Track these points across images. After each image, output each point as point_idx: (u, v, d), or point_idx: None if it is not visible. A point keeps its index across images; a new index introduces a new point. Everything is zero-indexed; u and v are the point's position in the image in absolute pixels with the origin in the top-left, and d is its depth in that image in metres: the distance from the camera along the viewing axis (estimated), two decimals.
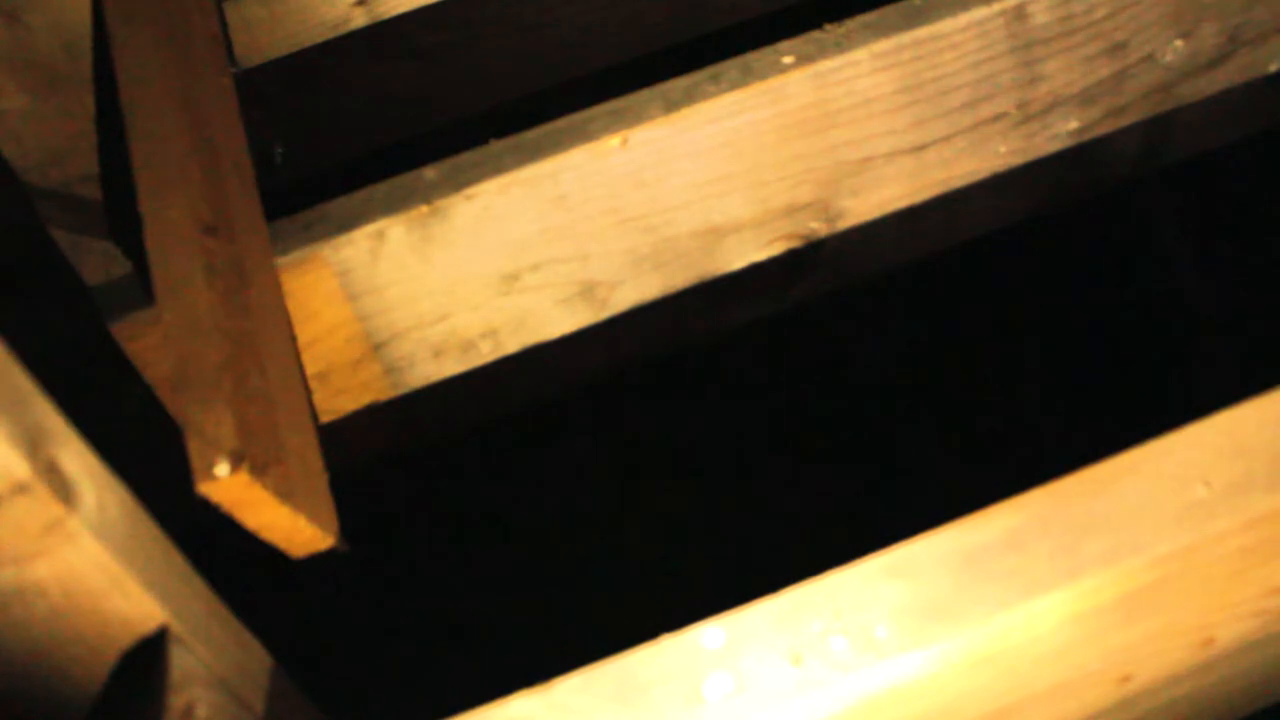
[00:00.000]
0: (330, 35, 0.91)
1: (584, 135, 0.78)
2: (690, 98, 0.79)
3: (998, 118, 0.86)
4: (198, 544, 0.53)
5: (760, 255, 0.87)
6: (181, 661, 0.47)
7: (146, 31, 0.74)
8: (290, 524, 0.62)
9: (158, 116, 0.72)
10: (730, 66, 0.80)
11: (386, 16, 0.91)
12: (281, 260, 0.75)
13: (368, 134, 1.12)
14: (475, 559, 1.29)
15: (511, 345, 0.86)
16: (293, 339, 0.75)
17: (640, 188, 0.80)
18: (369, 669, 1.21)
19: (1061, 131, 0.88)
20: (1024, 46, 0.83)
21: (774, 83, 0.78)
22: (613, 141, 0.78)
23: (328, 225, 0.77)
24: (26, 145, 0.78)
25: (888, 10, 0.81)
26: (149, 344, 0.76)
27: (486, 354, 0.85)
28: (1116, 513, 0.57)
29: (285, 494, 0.61)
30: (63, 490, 0.40)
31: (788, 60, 0.79)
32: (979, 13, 0.80)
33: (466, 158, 0.79)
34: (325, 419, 0.82)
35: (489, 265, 0.80)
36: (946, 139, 0.85)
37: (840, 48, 0.79)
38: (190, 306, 0.64)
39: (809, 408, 1.35)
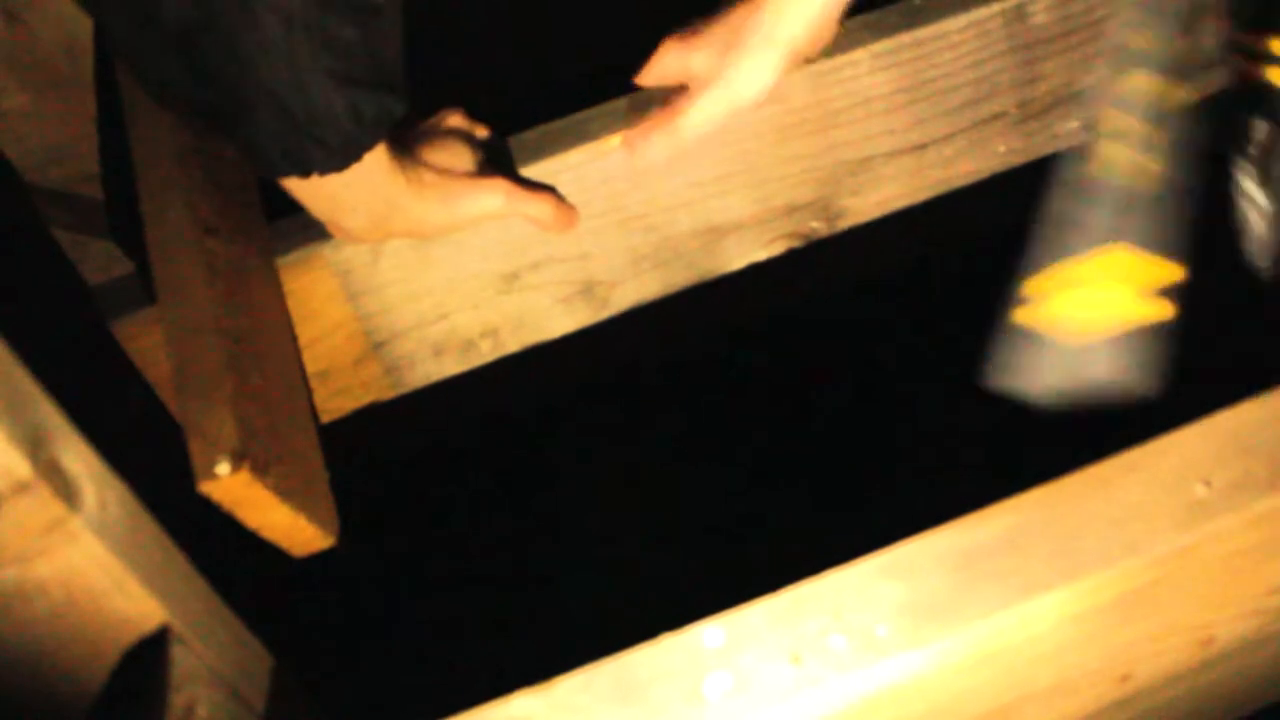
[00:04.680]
0: None
1: (584, 135, 0.78)
2: None
3: (997, 117, 0.86)
4: (198, 544, 0.53)
5: (760, 255, 0.87)
6: (182, 660, 0.47)
7: None
8: (290, 523, 0.63)
9: (158, 116, 0.72)
10: None
11: None
12: (282, 260, 0.75)
13: None
14: (476, 558, 1.29)
15: (512, 344, 0.86)
16: (293, 339, 0.75)
17: (640, 187, 0.80)
18: (369, 669, 1.21)
19: (1061, 131, 0.88)
20: (1024, 46, 0.83)
21: None
22: (613, 141, 0.78)
23: None
24: (28, 145, 0.78)
25: (887, 10, 0.81)
26: (149, 344, 0.76)
27: (487, 353, 0.85)
28: (1116, 512, 0.57)
29: (285, 493, 0.61)
30: (64, 490, 0.40)
31: None
32: (979, 12, 0.80)
33: None
34: (325, 419, 0.82)
35: (489, 264, 0.80)
36: (946, 138, 0.85)
37: (840, 47, 0.79)
38: (190, 306, 0.64)
39: (809, 406, 1.35)
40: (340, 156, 0.64)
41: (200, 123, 0.70)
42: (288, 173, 0.64)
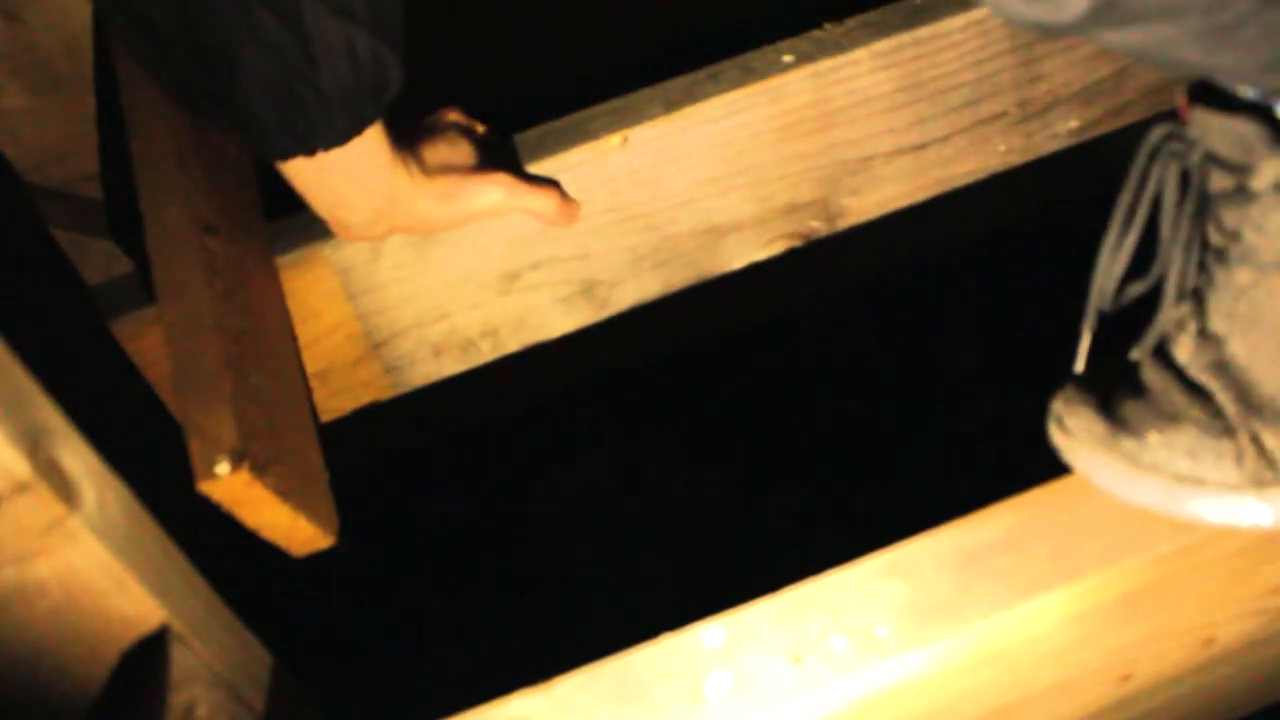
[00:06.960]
0: None
1: (584, 135, 0.78)
2: (690, 97, 0.79)
3: (997, 117, 0.86)
4: (198, 544, 0.53)
5: (760, 254, 0.87)
6: (182, 660, 0.47)
7: None
8: (290, 523, 0.63)
9: (158, 116, 0.72)
10: (730, 66, 0.80)
11: None
12: (282, 259, 0.75)
13: None
14: (475, 558, 1.29)
15: (512, 344, 0.86)
16: (293, 338, 0.75)
17: (640, 187, 0.80)
18: (369, 669, 1.21)
19: (1061, 131, 0.88)
20: (1024, 45, 0.83)
21: (774, 82, 0.78)
22: (613, 141, 0.78)
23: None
24: (27, 144, 0.78)
25: (888, 9, 0.81)
26: (149, 344, 0.76)
27: (487, 353, 0.85)
28: (1117, 512, 0.57)
29: (285, 493, 0.61)
30: (64, 489, 0.40)
31: (788, 59, 0.79)
32: (979, 12, 0.80)
33: None
34: (325, 418, 0.82)
35: (489, 264, 0.80)
36: (946, 138, 0.85)
37: (840, 47, 0.79)
38: (190, 306, 0.64)
39: (809, 406, 1.35)
40: (339, 118, 0.61)
41: (199, 115, 0.70)
42: (288, 147, 0.62)
